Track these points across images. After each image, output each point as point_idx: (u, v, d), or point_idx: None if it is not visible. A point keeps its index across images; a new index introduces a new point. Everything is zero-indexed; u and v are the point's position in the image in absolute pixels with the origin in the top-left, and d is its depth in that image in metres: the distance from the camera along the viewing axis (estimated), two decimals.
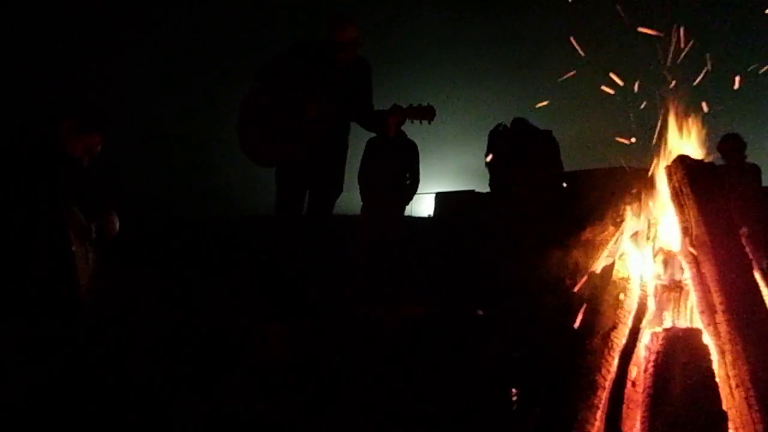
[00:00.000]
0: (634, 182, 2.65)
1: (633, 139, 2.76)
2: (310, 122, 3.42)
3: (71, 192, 2.50)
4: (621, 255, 2.56)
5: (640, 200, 2.63)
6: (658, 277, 2.37)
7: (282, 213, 3.58)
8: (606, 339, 2.08)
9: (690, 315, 2.21)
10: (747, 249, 2.20)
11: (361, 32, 3.60)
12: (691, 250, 2.20)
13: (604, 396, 1.90)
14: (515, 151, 5.62)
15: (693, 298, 2.18)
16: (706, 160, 2.48)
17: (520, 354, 2.27)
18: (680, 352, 1.90)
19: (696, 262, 2.17)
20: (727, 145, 4.89)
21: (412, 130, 5.90)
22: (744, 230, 2.25)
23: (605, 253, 2.63)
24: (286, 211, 3.57)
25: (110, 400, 2.36)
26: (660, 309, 2.27)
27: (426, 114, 3.65)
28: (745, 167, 4.85)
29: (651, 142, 2.65)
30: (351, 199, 6.03)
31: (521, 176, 5.52)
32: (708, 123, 2.56)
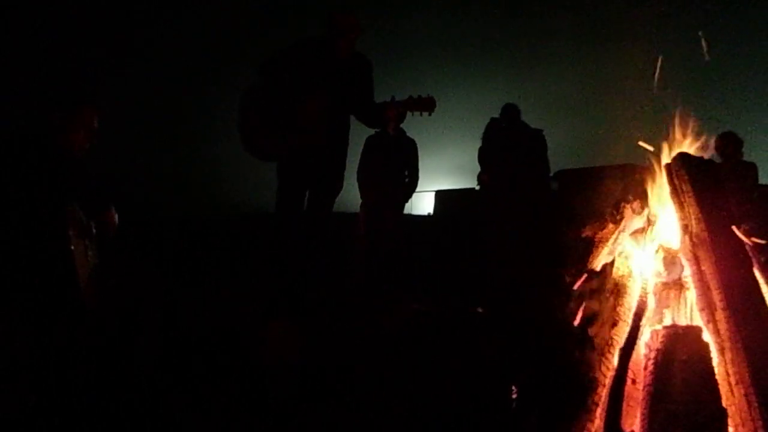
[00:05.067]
0: (634, 180, 2.65)
1: (633, 137, 2.77)
2: (311, 116, 3.42)
3: (71, 190, 2.50)
4: (621, 253, 2.56)
5: (639, 198, 2.63)
6: (658, 274, 2.37)
7: (283, 210, 3.57)
8: (606, 336, 2.08)
9: (690, 313, 2.21)
10: (746, 246, 2.20)
11: (361, 21, 3.59)
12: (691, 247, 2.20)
13: (604, 393, 1.90)
14: (506, 139, 5.63)
15: (693, 295, 2.18)
16: (705, 158, 2.49)
17: (520, 352, 2.27)
18: (680, 350, 1.90)
19: (696, 260, 2.17)
20: (723, 143, 4.91)
21: (411, 127, 5.91)
22: (744, 227, 2.25)
23: (605, 250, 2.63)
24: (287, 207, 3.56)
25: (111, 398, 2.36)
26: (660, 306, 2.27)
27: (426, 105, 3.61)
28: (741, 165, 4.87)
29: (651, 140, 2.65)
30: (350, 197, 6.03)
31: (506, 170, 5.54)
32: (705, 121, 2.57)
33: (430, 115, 3.65)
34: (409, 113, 3.72)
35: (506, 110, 5.75)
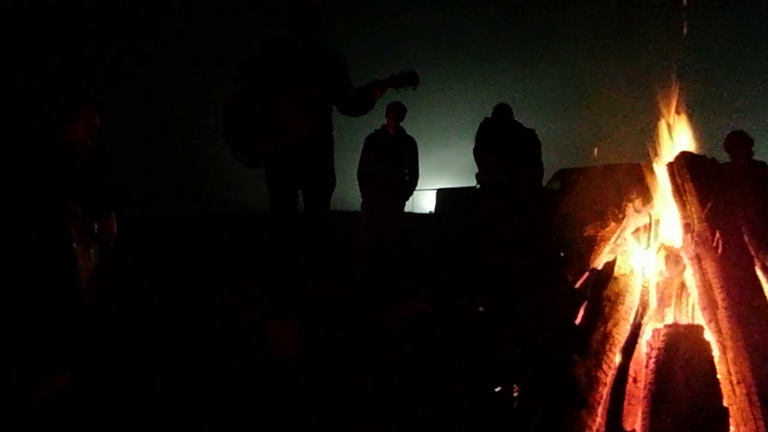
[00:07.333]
0: (636, 178, 2.65)
1: (635, 136, 2.76)
2: (291, 112, 3.39)
3: (73, 189, 2.50)
4: (623, 251, 2.56)
5: (641, 197, 2.63)
6: (660, 273, 2.37)
7: (275, 214, 3.55)
8: (607, 335, 2.08)
9: (691, 311, 2.21)
10: (749, 245, 2.19)
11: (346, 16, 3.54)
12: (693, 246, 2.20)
13: (605, 392, 1.90)
14: (499, 138, 5.64)
15: (694, 294, 2.18)
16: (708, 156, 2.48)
17: (521, 351, 2.27)
18: (682, 349, 1.90)
19: (698, 259, 2.17)
20: (733, 141, 4.90)
21: (411, 127, 5.91)
22: (747, 226, 2.25)
23: (607, 249, 2.63)
24: (279, 212, 3.54)
25: (111, 396, 2.37)
26: (661, 305, 2.27)
27: (410, 80, 3.58)
28: (752, 164, 4.86)
29: (653, 139, 2.65)
30: (351, 196, 6.03)
31: (501, 169, 5.54)
32: (714, 121, 2.56)
33: (414, 89, 3.63)
34: (394, 92, 3.67)
35: (498, 110, 5.78)
